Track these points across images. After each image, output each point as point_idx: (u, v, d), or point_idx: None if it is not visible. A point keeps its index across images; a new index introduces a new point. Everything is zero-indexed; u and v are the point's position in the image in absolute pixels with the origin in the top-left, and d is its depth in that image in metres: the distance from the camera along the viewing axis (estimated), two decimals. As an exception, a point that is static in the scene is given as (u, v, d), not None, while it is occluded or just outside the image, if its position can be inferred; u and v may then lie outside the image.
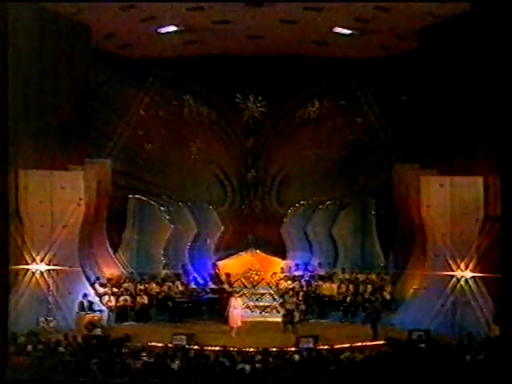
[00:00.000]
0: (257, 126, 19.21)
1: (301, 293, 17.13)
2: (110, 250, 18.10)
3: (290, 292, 16.52)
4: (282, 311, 16.02)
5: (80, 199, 15.28)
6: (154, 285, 17.29)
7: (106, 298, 16.25)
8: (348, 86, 18.74)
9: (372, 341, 14.31)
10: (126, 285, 16.95)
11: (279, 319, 15.98)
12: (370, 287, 17.21)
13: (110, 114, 17.98)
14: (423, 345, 12.95)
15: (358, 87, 18.71)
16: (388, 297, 16.85)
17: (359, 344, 13.88)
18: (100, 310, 15.48)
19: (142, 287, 17.03)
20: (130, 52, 17.82)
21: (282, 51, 18.11)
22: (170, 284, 17.45)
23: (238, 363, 11.39)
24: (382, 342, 13.88)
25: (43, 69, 14.96)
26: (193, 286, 17.82)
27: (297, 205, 19.47)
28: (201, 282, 18.20)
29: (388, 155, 18.34)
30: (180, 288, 17.40)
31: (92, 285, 16.28)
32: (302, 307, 16.38)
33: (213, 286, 17.84)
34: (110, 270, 17.70)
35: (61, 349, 11.91)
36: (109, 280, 17.09)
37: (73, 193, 15.14)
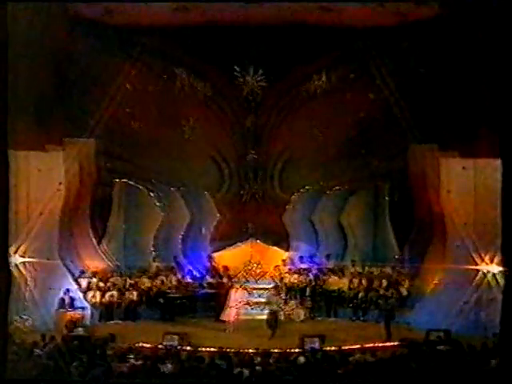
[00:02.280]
0: (257, 103, 18.93)
1: (308, 288, 17.27)
2: (93, 240, 18.07)
3: (272, 290, 16.63)
4: (267, 312, 16.05)
5: (59, 183, 15.27)
6: (145, 279, 17.37)
7: (91, 293, 16.31)
8: (359, 58, 18.31)
9: (385, 342, 14.38)
10: (113, 279, 17.03)
11: (281, 317, 16.06)
12: (385, 282, 17.28)
13: (93, 89, 17.65)
14: (443, 347, 12.93)
15: (370, 59, 18.32)
16: (405, 293, 16.90)
17: (371, 345, 13.91)
18: (82, 307, 15.56)
19: (131, 282, 17.10)
20: (114, 19, 17.48)
21: (285, 19, 17.70)
22: (163, 278, 17.52)
23: (235, 366, 11.40)
24: (396, 343, 13.93)
25: (15, 38, 14.64)
26: (187, 280, 17.88)
27: (302, 190, 19.38)
28: (195, 275, 18.23)
29: (403, 135, 17.88)
30: (174, 283, 17.47)
31: (75, 279, 16.31)
32: (308, 304, 16.53)
33: (209, 280, 17.88)
34: (94, 263, 17.68)
35: (37, 351, 11.86)
36: (94, 274, 17.11)
37: (51, 176, 15.10)
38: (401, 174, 18.14)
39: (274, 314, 15.64)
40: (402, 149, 17.99)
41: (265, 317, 16.23)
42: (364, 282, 17.40)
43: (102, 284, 16.64)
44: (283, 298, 16.46)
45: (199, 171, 19.25)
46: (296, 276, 17.87)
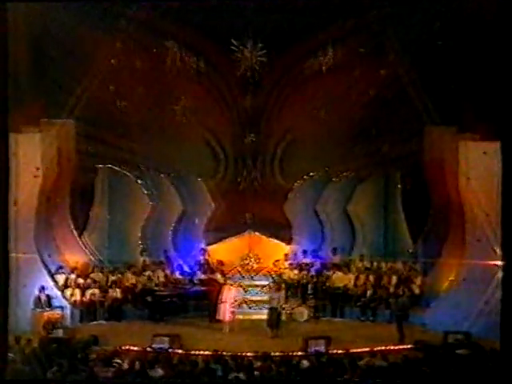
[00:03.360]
0: (256, 80, 18.79)
1: (309, 285, 17.33)
2: (74, 232, 18.06)
3: (273, 285, 16.69)
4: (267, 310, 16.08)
5: (36, 169, 15.20)
6: (130, 275, 17.42)
7: (70, 291, 16.34)
8: (369, 30, 18.10)
9: (398, 344, 14.36)
10: (94, 275, 17.11)
11: (283, 317, 16.11)
12: (394, 278, 17.34)
13: (73, 64, 17.47)
14: (462, 350, 12.95)
15: (382, 31, 18.19)
16: (417, 290, 16.96)
17: (382, 348, 13.84)
18: (61, 307, 15.54)
19: (114, 278, 17.13)
20: (96, -13, 17.35)
21: (288, -14, 17.75)
22: (150, 274, 17.54)
23: (232, 371, 11.43)
24: (410, 346, 13.95)
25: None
26: (177, 276, 17.99)
27: (305, 177, 19.36)
28: (187, 271, 18.30)
29: (418, 116, 17.82)
30: (162, 279, 17.55)
31: (52, 275, 16.28)
32: (312, 302, 16.58)
33: (202, 276, 17.91)
34: (75, 257, 17.70)
35: (11, 355, 11.76)
36: (73, 269, 17.12)
37: (27, 161, 14.89)
38: (415, 160, 18.06)
39: (274, 312, 15.65)
40: (416, 131, 17.90)
41: (264, 316, 16.24)
42: (371, 278, 17.48)
43: (81, 281, 16.69)
44: (285, 294, 16.51)
45: (192, 156, 19.15)
46: (296, 271, 17.95)
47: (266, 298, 17.27)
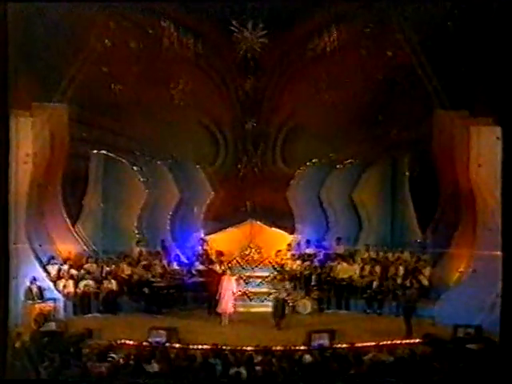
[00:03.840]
0: (257, 62, 18.72)
1: (313, 276, 17.38)
2: (67, 221, 18.05)
3: (278, 275, 16.66)
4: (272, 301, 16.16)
5: (27, 155, 15.08)
6: (125, 266, 17.42)
7: (63, 282, 16.31)
8: (375, 8, 17.91)
9: (405, 338, 14.32)
10: (87, 266, 17.09)
11: (286, 310, 16.02)
12: (401, 269, 17.37)
13: (65, 45, 17.39)
14: (473, 345, 12.90)
15: (389, 9, 18.08)
16: (426, 282, 16.94)
17: (388, 342, 13.84)
18: (54, 299, 15.50)
19: (108, 269, 17.13)
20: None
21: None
22: (146, 264, 17.56)
23: (232, 366, 11.47)
24: (417, 341, 13.93)
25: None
26: (175, 267, 17.99)
27: (308, 163, 19.37)
28: (185, 261, 18.35)
29: (428, 99, 17.74)
30: (159, 270, 17.55)
31: (43, 266, 16.29)
32: (315, 294, 16.62)
33: (200, 267, 17.93)
34: (68, 247, 17.69)
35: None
36: (66, 260, 17.13)
37: (17, 146, 14.81)
38: (424, 145, 17.99)
39: (279, 303, 15.67)
40: (425, 115, 17.80)
41: (265, 309, 16.34)
42: (377, 269, 17.52)
43: (74, 271, 16.67)
44: (289, 285, 16.55)
45: (190, 142, 19.12)
46: (299, 262, 17.98)
47: (267, 289, 17.39)
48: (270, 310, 16.37)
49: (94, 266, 17.19)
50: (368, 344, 13.61)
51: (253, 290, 17.36)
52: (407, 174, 19.11)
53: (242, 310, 16.47)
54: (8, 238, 12.92)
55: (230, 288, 16.06)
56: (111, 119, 18.61)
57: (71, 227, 18.14)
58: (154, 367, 11.39)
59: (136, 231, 19.00)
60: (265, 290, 17.39)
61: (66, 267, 16.75)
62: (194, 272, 17.69)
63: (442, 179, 17.56)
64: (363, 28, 18.05)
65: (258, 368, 11.35)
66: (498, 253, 14.49)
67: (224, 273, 16.87)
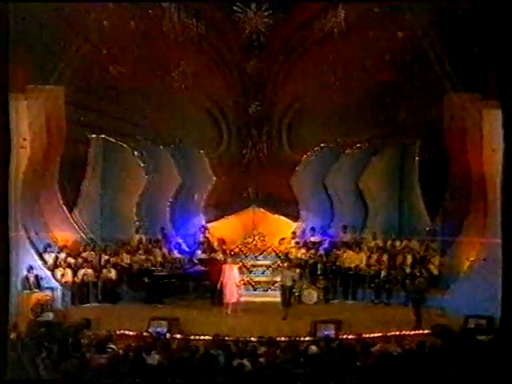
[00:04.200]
0: (261, 43, 18.63)
1: (319, 265, 17.46)
2: (64, 207, 18.08)
3: (286, 263, 16.73)
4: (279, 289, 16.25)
5: (23, 139, 15.17)
6: (125, 254, 17.50)
7: (60, 271, 16.38)
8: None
9: (414, 329, 14.38)
10: (86, 254, 17.17)
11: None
12: (409, 258, 17.43)
13: (62, 25, 17.34)
14: (484, 336, 12.82)
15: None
16: (435, 271, 17.01)
17: (396, 333, 13.87)
18: (51, 288, 15.62)
19: (107, 257, 17.21)
20: None
21: None
22: (146, 252, 17.67)
23: (235, 357, 11.32)
24: (427, 332, 13.92)
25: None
26: (176, 255, 18.13)
27: (314, 148, 19.37)
28: (186, 250, 18.49)
29: (438, 81, 17.66)
30: (159, 258, 17.66)
31: (40, 254, 16.36)
32: (321, 284, 16.75)
33: (202, 255, 18.03)
34: (64, 235, 17.77)
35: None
36: (63, 248, 17.20)
37: (12, 131, 14.63)
38: (434, 129, 17.97)
39: (287, 291, 15.73)
40: (436, 99, 17.77)
41: (269, 298, 16.54)
42: (385, 258, 17.56)
43: (72, 260, 16.73)
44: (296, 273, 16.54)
45: (192, 126, 19.12)
46: (304, 251, 18.01)
47: (270, 278, 17.47)
48: (273, 299, 16.53)
49: (93, 254, 17.27)
50: (375, 335, 13.61)
51: (256, 278, 17.44)
52: (417, 159, 19.08)
53: (244, 299, 16.48)
54: (8, 226, 12.85)
55: (232, 277, 16.09)
56: (110, 102, 18.58)
57: (68, 214, 18.18)
58: (155, 358, 11.28)
59: (135, 218, 19.08)
60: (268, 278, 17.47)
61: (63, 255, 16.81)
62: (195, 260, 17.78)
63: (452, 164, 17.55)
64: (372, 8, 17.91)
65: (261, 359, 11.21)
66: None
67: (225, 261, 16.92)
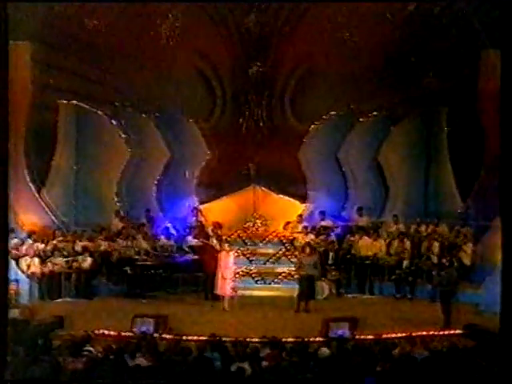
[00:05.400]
0: (261, -5, 18.77)
1: (330, 253, 17.52)
2: (31, 186, 18.11)
3: (307, 249, 16.70)
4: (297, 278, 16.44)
5: None
6: (103, 240, 17.55)
7: (26, 261, 16.45)
8: None
9: (443, 329, 14.37)
10: (56, 240, 17.17)
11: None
12: (437, 245, 17.50)
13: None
14: None
15: None
16: (467, 261, 17.17)
17: (422, 333, 13.83)
18: (16, 280, 15.54)
19: (82, 244, 17.25)
20: None
21: None
22: (127, 238, 17.68)
23: (233, 361, 11.31)
24: (458, 332, 13.99)
25: None
26: (163, 241, 18.21)
27: (324, 117, 19.38)
28: (175, 235, 18.57)
29: (473, 36, 17.65)
30: (144, 245, 17.73)
31: None
32: (334, 275, 16.80)
33: (194, 241, 18.07)
34: (32, 218, 17.82)
35: None
36: (29, 233, 17.26)
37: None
38: (467, 95, 17.98)
39: (307, 281, 15.90)
40: (470, 57, 17.82)
41: (272, 292, 16.69)
42: (408, 245, 17.64)
43: (40, 247, 16.76)
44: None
45: (181, 90, 19.07)
46: (313, 237, 18.04)
47: (273, 268, 17.50)
48: (276, 293, 16.69)
49: (65, 240, 17.28)
50: (397, 335, 13.57)
51: (257, 269, 17.44)
52: (446, 129, 19.15)
53: (244, 293, 16.55)
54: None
55: (229, 267, 16.18)
56: (85, 62, 18.54)
57: (36, 193, 18.20)
58: (140, 362, 11.31)
59: (116, 199, 19.12)
60: (271, 269, 17.49)
61: (30, 242, 16.86)
62: (185, 248, 17.87)
63: (488, 137, 17.46)
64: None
65: (264, 363, 11.19)
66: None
67: (221, 249, 16.90)
